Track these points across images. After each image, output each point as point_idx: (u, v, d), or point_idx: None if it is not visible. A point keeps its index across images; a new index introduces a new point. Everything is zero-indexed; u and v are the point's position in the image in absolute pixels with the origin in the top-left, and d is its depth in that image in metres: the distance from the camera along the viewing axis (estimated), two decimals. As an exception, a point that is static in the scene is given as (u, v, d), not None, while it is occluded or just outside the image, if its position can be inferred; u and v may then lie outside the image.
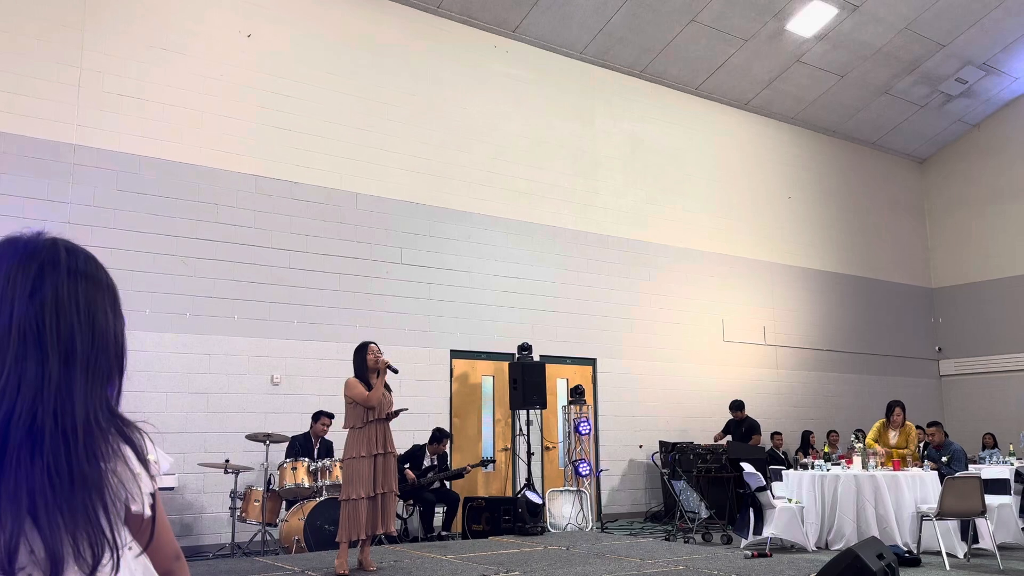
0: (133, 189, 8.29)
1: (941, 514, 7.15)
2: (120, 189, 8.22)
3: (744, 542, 8.04)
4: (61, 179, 7.93)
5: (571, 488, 10.00)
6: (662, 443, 11.32)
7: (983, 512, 7.17)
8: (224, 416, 8.38)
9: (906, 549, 7.36)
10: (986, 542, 7.46)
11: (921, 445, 8.78)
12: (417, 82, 10.40)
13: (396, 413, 6.16)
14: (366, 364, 6.06)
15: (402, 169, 10.08)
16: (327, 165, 9.51)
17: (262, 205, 9.02)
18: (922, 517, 7.44)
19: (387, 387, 6.17)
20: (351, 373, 6.16)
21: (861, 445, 8.65)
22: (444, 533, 8.82)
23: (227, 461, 7.83)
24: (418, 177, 10.20)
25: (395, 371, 6.17)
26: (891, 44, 13.05)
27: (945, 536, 7.34)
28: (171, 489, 7.67)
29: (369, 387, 5.98)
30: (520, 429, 10.13)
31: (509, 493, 9.96)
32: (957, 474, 7.48)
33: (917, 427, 9.10)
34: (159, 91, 8.58)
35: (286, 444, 8.18)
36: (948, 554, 7.26)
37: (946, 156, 16.44)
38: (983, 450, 12.18)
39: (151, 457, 1.20)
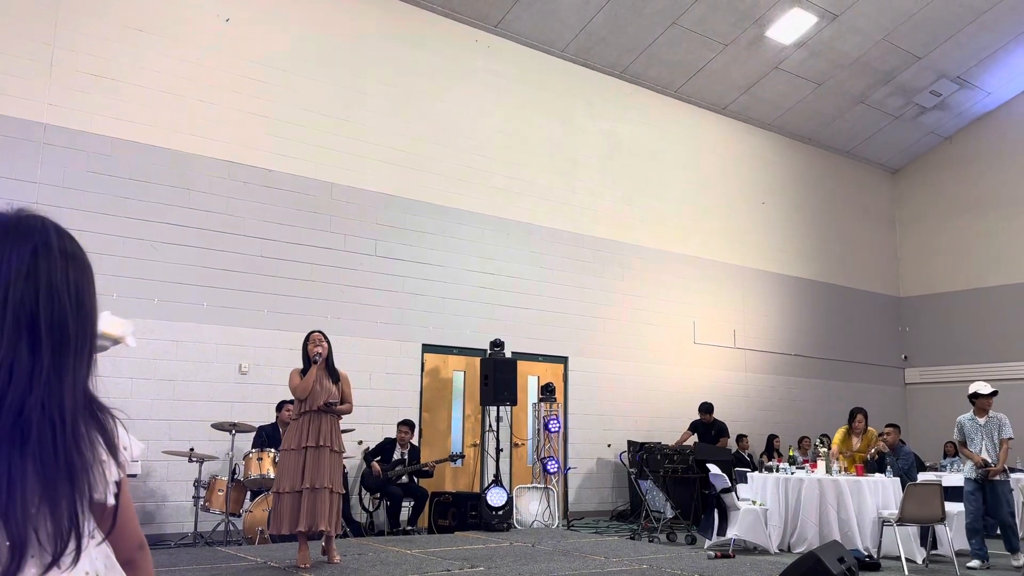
0: (104, 171, 8.16)
1: (902, 520, 7.26)
2: (90, 171, 8.08)
3: (708, 543, 8.10)
4: (29, 158, 7.78)
5: (539, 485, 10.01)
6: (630, 443, 11.37)
7: (943, 519, 7.29)
8: (190, 404, 8.27)
9: (867, 553, 7.46)
10: (945, 548, 7.58)
11: (872, 451, 8.91)
12: (397, 74, 10.34)
13: (328, 406, 5.81)
14: (307, 354, 5.91)
15: (379, 160, 10.02)
16: (302, 153, 9.42)
17: (235, 192, 8.91)
18: (883, 522, 7.53)
19: (335, 378, 5.91)
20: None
21: (826, 450, 8.76)
22: (410, 528, 8.79)
23: (192, 450, 7.74)
24: (395, 169, 10.14)
25: (314, 362, 5.83)
26: (868, 54, 13.20)
27: (905, 542, 7.44)
28: (134, 476, 7.54)
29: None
30: (490, 425, 10.12)
31: (477, 489, 9.95)
32: (919, 480, 7.60)
33: (879, 435, 9.23)
34: (134, 73, 8.44)
35: (253, 434, 8.11)
36: (907, 559, 7.36)
37: (918, 167, 16.68)
38: (944, 458, 12.37)
39: (122, 444, 1.17)
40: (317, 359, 5.83)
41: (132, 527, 1.24)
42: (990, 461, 7.41)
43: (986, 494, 7.36)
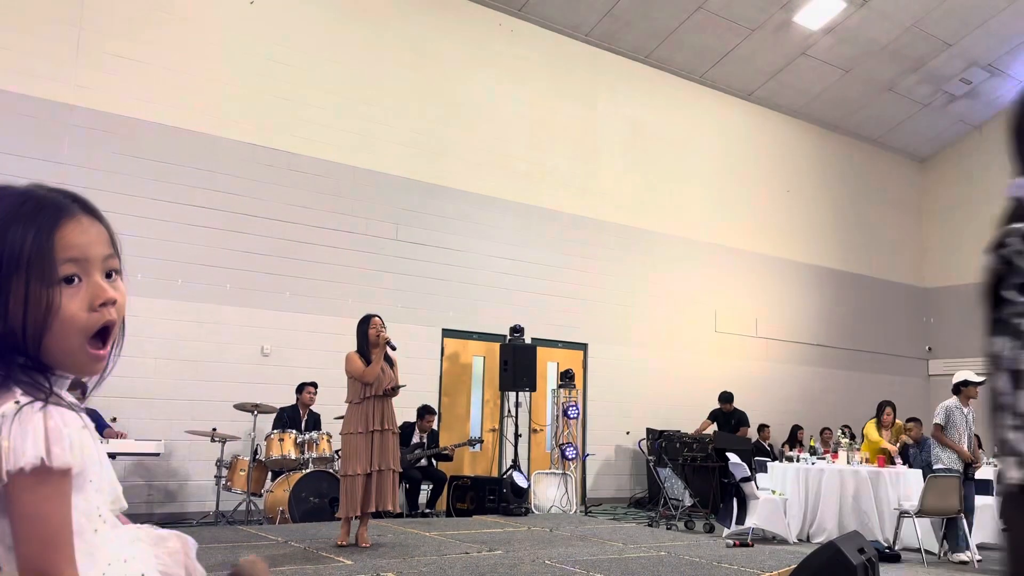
0: (129, 152, 8.22)
1: (922, 511, 7.20)
2: (116, 152, 8.15)
3: (726, 531, 8.08)
4: (56, 139, 7.85)
5: (557, 471, 10.03)
6: (649, 430, 11.35)
7: (960, 511, 7.24)
8: (213, 385, 8.36)
9: (886, 544, 7.41)
10: (974, 540, 7.51)
11: (904, 437, 8.90)
12: (420, 57, 10.31)
13: (394, 390, 6.02)
14: (367, 338, 5.96)
15: (400, 144, 10.02)
16: (325, 137, 9.44)
17: (259, 175, 8.95)
18: (901, 514, 7.48)
19: (389, 362, 6.03)
20: (342, 347, 6.13)
21: (847, 440, 8.70)
22: (428, 511, 8.85)
23: (214, 430, 7.82)
24: (416, 153, 10.13)
25: (393, 348, 6.03)
26: (897, 41, 12.99)
27: (926, 534, 7.40)
28: (156, 456, 7.66)
29: (368, 362, 5.87)
30: (508, 410, 10.14)
31: (495, 473, 9.98)
32: (939, 473, 7.52)
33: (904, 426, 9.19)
34: (160, 55, 8.48)
35: (274, 415, 8.18)
36: (926, 551, 7.32)
37: (946, 156, 16.42)
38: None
39: (3, 442, 0.96)
40: (390, 343, 5.95)
41: (26, 550, 0.97)
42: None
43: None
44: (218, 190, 8.67)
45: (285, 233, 9.04)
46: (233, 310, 8.62)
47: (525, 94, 11.23)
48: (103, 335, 1.06)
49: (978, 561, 7.03)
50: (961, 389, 7.52)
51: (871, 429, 8.88)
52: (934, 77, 14.06)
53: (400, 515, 8.71)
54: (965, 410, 7.45)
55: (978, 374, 7.55)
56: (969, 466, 7.37)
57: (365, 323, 6.02)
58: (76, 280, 1.04)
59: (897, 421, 8.96)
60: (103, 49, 8.18)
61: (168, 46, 8.54)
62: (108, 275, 1.09)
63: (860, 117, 14.92)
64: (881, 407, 8.95)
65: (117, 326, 1.08)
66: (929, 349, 16.12)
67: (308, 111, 9.35)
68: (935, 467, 7.43)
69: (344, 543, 5.79)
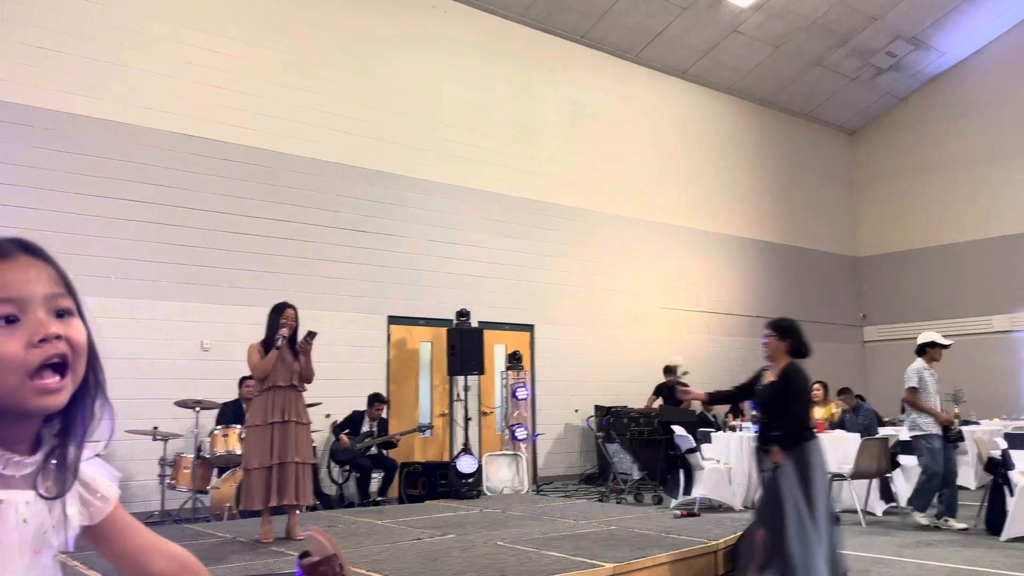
0: (53, 147, 7.93)
1: (856, 474, 7.46)
2: (38, 146, 7.85)
3: (674, 502, 8.25)
4: (-27, 134, 7.52)
5: (508, 452, 10.09)
6: (597, 407, 11.49)
7: (887, 471, 7.50)
8: (152, 382, 8.16)
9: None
10: (901, 500, 7.81)
11: (836, 411, 9.15)
12: (354, 41, 10.15)
13: (302, 381, 5.73)
14: (276, 329, 5.72)
15: (338, 131, 9.87)
16: (259, 125, 9.24)
17: (190, 165, 8.73)
18: (832, 477, 7.68)
19: (294, 353, 5.77)
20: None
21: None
22: (380, 499, 8.82)
23: (155, 428, 7.65)
24: (353, 139, 10.00)
25: (276, 346, 5.66)
26: (825, 16, 13.26)
27: (867, 496, 7.67)
28: (97, 457, 7.45)
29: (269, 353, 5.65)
30: (457, 395, 10.15)
31: (446, 458, 10.00)
32: (879, 435, 7.80)
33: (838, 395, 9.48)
34: (81, 44, 8.18)
35: (217, 411, 8.04)
36: (867, 512, 7.59)
37: (875, 128, 16.89)
38: (902, 413, 12.70)
39: None
40: (278, 343, 5.70)
41: None
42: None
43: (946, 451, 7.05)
44: (148, 182, 8.43)
45: (220, 224, 8.85)
46: (170, 305, 8.42)
47: (462, 77, 11.16)
48: (58, 369, 1.04)
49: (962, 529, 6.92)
50: (927, 350, 7.30)
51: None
52: (861, 51, 14.41)
53: (352, 505, 8.67)
54: (933, 372, 7.23)
55: (945, 336, 7.48)
56: (948, 428, 7.10)
57: (278, 313, 5.76)
58: (15, 320, 1.02)
59: (830, 403, 9.20)
60: (22, 40, 7.84)
61: (90, 36, 8.24)
62: (59, 315, 1.07)
63: (791, 92, 15.23)
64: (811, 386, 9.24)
65: (76, 360, 1.07)
66: (863, 316, 16.64)
67: (238, 98, 9.13)
68: (912, 434, 7.16)
69: (267, 540, 5.59)
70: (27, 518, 1.03)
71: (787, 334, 4.96)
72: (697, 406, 12.37)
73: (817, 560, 4.33)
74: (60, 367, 1.05)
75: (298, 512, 5.94)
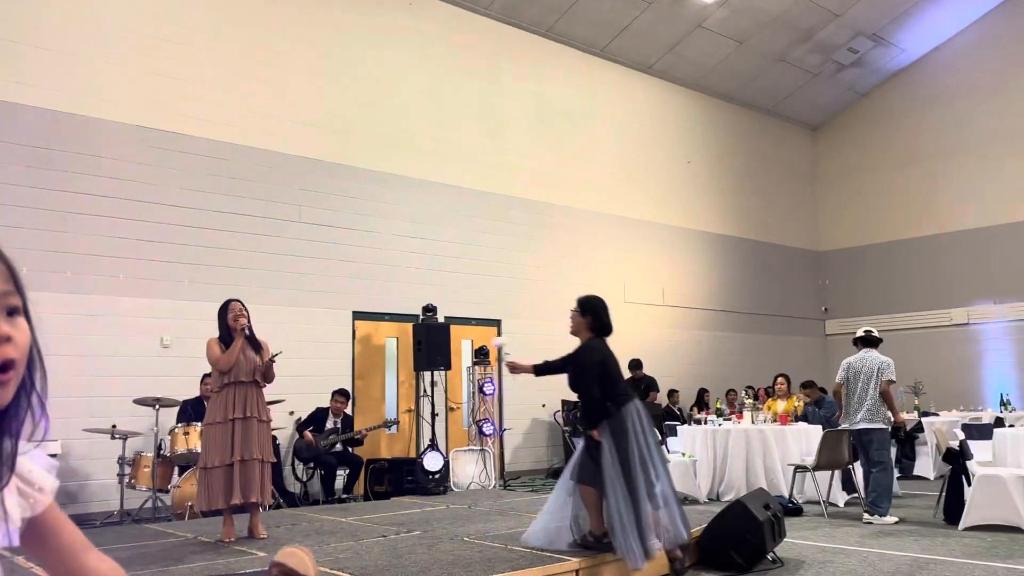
0: (5, 139, 7.70)
1: (818, 466, 7.56)
2: (-11, 138, 7.62)
3: (641, 496, 8.26)
4: (-80, 125, 7.28)
5: (475, 448, 10.06)
6: (564, 402, 11.50)
7: (849, 463, 7.61)
8: (110, 380, 7.98)
9: (790, 499, 7.75)
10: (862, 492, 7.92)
11: (799, 404, 9.26)
12: (316, 32, 10.01)
13: (265, 376, 5.65)
14: (227, 324, 5.65)
15: (300, 123, 9.73)
16: (219, 117, 9.08)
17: (147, 158, 8.54)
18: (795, 469, 7.78)
19: (256, 347, 5.69)
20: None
21: (751, 401, 9.02)
22: (345, 496, 8.74)
23: (114, 426, 7.49)
24: (317, 132, 9.87)
25: (244, 334, 5.58)
26: (788, 12, 13.39)
27: (828, 488, 7.76)
28: (54, 456, 7.27)
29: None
30: (424, 390, 10.09)
31: (413, 454, 9.93)
32: (833, 429, 7.89)
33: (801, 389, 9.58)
34: (34, 34, 7.95)
35: (177, 408, 7.89)
36: (829, 503, 7.69)
37: (836, 124, 17.11)
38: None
39: None
40: (246, 331, 5.63)
41: None
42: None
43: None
44: (104, 175, 8.23)
45: (181, 219, 8.68)
46: (128, 301, 8.24)
47: (427, 70, 11.07)
48: (2, 367, 1.03)
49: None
50: (876, 346, 7.39)
51: (771, 403, 9.20)
52: (823, 47, 14.58)
53: (316, 503, 8.58)
54: None
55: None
56: (898, 429, 7.31)
57: (224, 309, 5.69)
58: None
59: (793, 395, 9.31)
60: (-32, 27, 7.60)
61: (43, 24, 8.01)
62: (9, 313, 1.06)
63: (754, 88, 15.37)
64: (775, 379, 9.34)
65: (17, 360, 1.06)
66: (825, 310, 16.88)
67: (199, 90, 8.96)
68: (879, 426, 7.09)
69: (229, 539, 5.50)
70: None
71: (587, 311, 5.17)
72: (664, 399, 12.47)
73: (637, 523, 4.52)
74: (4, 365, 1.04)
75: (260, 510, 5.85)
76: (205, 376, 8.01)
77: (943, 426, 9.13)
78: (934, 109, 15.65)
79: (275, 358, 5.74)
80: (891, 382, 7.16)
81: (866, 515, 7.00)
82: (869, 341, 7.48)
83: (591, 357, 4.96)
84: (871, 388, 7.15)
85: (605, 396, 4.84)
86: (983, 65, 15.07)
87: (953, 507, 6.82)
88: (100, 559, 1.22)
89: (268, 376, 5.75)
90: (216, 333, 5.72)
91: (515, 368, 5.46)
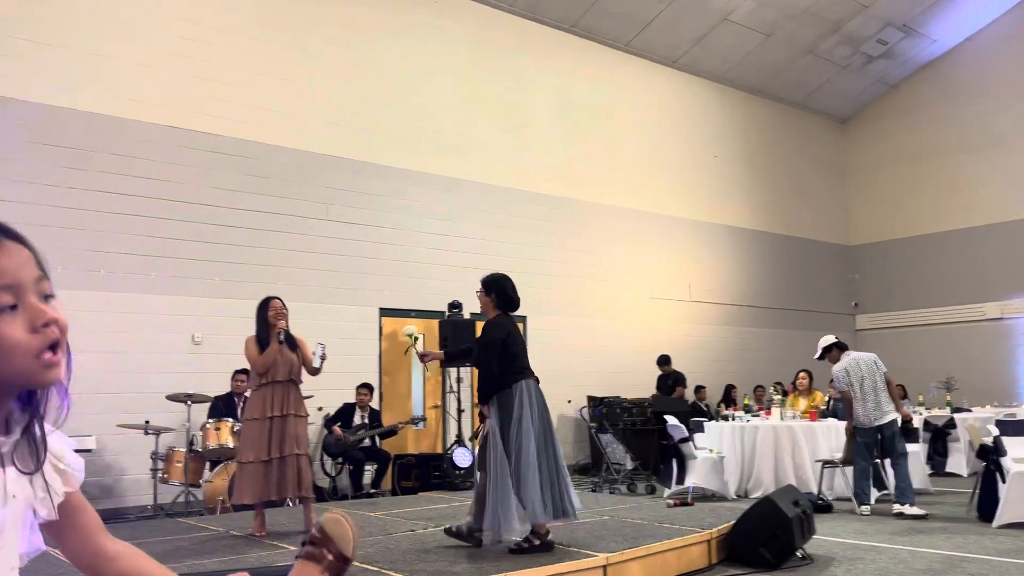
0: (42, 140, 7.85)
1: (847, 460, 7.49)
2: (28, 140, 7.77)
3: (667, 492, 8.26)
4: (-42, 128, 7.44)
5: (501, 443, 10.08)
6: (590, 398, 11.49)
7: (879, 459, 7.54)
8: (143, 376, 8.12)
9: (820, 496, 7.68)
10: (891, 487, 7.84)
11: (828, 400, 9.18)
12: (343, 32, 10.08)
13: (322, 360, 5.77)
14: (267, 322, 5.72)
15: (327, 122, 9.81)
16: (248, 116, 9.17)
17: (179, 158, 8.66)
18: (823, 465, 7.73)
19: (293, 346, 5.75)
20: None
21: (780, 397, 8.95)
22: (374, 491, 8.81)
23: (147, 422, 7.62)
24: (344, 130, 9.94)
25: (282, 341, 5.67)
26: (816, 4, 13.23)
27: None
28: (89, 451, 7.42)
29: (266, 347, 5.63)
30: (450, 387, 10.13)
31: (439, 450, 9.99)
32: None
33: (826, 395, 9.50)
34: (68, 37, 8.09)
35: (209, 404, 8.01)
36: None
37: (866, 116, 16.89)
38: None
39: None
40: (281, 335, 5.71)
41: None
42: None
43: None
44: (137, 175, 8.36)
45: (211, 217, 8.79)
46: (160, 299, 8.37)
47: (452, 67, 11.10)
48: (52, 346, 1.10)
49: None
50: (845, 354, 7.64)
51: (793, 399, 9.14)
52: (852, 38, 14.39)
53: (345, 497, 8.66)
54: None
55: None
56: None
57: (264, 307, 5.76)
58: (13, 307, 1.05)
59: (815, 391, 9.21)
60: (8, 32, 7.75)
61: (77, 28, 8.15)
62: (46, 298, 1.11)
63: (782, 80, 15.21)
64: (797, 374, 9.27)
65: (64, 342, 1.12)
66: (855, 305, 16.68)
67: (227, 90, 9.06)
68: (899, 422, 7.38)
69: (261, 533, 5.58)
70: (15, 493, 1.08)
71: (492, 289, 5.24)
72: (691, 395, 12.41)
73: (518, 504, 4.52)
74: (54, 344, 1.10)
75: (313, 503, 5.94)
76: (236, 372, 8.12)
77: (976, 422, 9.00)
78: (966, 100, 15.38)
79: (325, 355, 5.83)
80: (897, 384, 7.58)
81: (896, 506, 6.97)
82: (842, 345, 7.71)
83: (495, 333, 5.05)
84: (878, 382, 7.34)
85: (502, 372, 4.89)
86: (1017, 55, 14.79)
87: (987, 504, 6.73)
88: (115, 540, 1.30)
89: (313, 373, 5.86)
90: (253, 330, 5.79)
91: (425, 357, 5.53)
